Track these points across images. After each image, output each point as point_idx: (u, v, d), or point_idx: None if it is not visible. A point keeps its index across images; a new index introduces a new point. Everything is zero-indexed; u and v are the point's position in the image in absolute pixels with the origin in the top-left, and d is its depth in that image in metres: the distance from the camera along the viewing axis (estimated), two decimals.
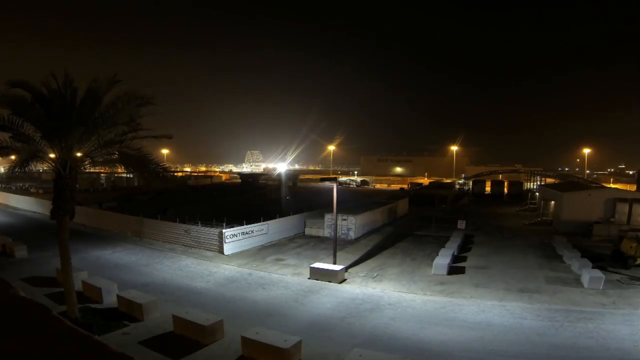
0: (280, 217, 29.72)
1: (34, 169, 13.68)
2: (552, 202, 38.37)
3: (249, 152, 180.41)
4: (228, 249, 24.33)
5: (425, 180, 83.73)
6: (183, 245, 26.04)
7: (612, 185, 59.20)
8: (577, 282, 19.17)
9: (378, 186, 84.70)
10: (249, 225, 26.36)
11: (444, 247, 23.99)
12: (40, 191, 51.98)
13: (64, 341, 2.71)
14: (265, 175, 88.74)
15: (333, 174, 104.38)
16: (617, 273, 20.42)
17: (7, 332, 2.86)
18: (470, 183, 67.44)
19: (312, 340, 12.68)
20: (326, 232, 29.19)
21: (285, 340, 11.39)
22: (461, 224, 29.77)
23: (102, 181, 68.46)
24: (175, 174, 77.00)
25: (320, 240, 28.48)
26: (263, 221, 27.69)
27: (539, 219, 38.55)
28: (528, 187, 60.35)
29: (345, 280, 19.40)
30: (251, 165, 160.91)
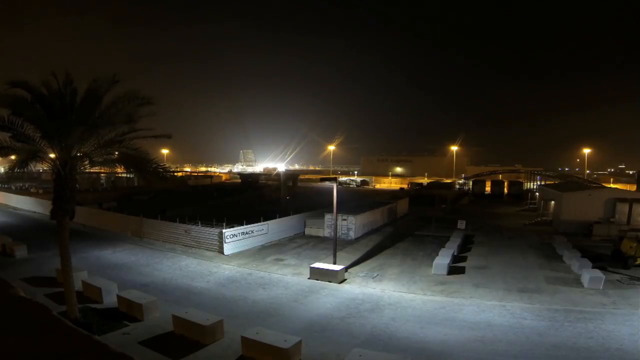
0: (280, 217, 29.72)
1: (33, 169, 13.67)
2: (552, 202, 38.37)
3: (241, 151, 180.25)
4: (228, 249, 24.32)
5: (425, 180, 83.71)
6: (183, 245, 26.03)
7: (612, 185, 59.17)
8: (577, 282, 19.17)
9: (378, 186, 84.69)
10: (249, 225, 26.35)
11: (444, 247, 23.98)
12: (40, 191, 51.94)
13: (64, 341, 2.71)
14: (266, 175, 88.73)
15: (333, 174, 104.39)
16: (617, 273, 20.42)
17: (7, 332, 2.86)
18: (470, 183, 67.43)
19: (312, 340, 12.69)
20: (326, 232, 29.18)
21: (285, 340, 11.39)
22: (461, 224, 29.74)
23: (102, 181, 68.38)
24: (175, 174, 76.98)
25: (320, 240, 28.47)
26: (263, 221, 27.70)
27: (539, 219, 38.55)
28: (528, 187, 60.35)
29: (345, 280, 19.40)
30: (242, 165, 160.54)
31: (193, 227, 26.28)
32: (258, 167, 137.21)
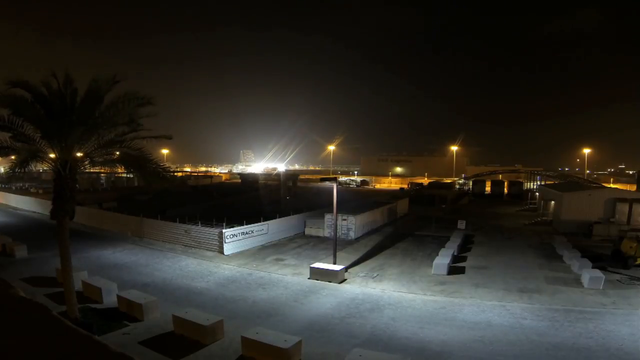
0: (280, 217, 29.72)
1: (34, 169, 13.66)
2: (552, 202, 38.36)
3: (242, 151, 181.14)
4: (228, 249, 24.33)
5: (425, 180, 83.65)
6: (183, 245, 26.04)
7: (612, 185, 59.16)
8: (577, 282, 19.17)
9: (378, 186, 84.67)
10: (249, 225, 26.36)
11: (444, 247, 23.98)
12: (40, 191, 51.95)
13: (64, 341, 2.71)
14: (265, 175, 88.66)
15: (333, 174, 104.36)
16: (617, 273, 20.42)
17: (7, 332, 2.86)
18: (470, 183, 67.41)
19: (312, 340, 12.69)
20: (326, 232, 29.18)
21: (285, 340, 11.39)
22: (461, 224, 29.75)
23: (102, 181, 68.37)
24: (175, 174, 76.90)
25: (320, 240, 28.47)
26: (263, 221, 27.70)
27: (539, 219, 38.54)
28: (528, 187, 60.33)
29: (345, 280, 19.40)
30: (242, 165, 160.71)
31: (193, 227, 26.28)
32: (258, 167, 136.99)
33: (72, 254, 13.79)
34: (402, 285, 18.71)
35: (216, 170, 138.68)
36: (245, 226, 26.04)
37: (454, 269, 21.06)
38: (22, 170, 12.20)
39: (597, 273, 18.75)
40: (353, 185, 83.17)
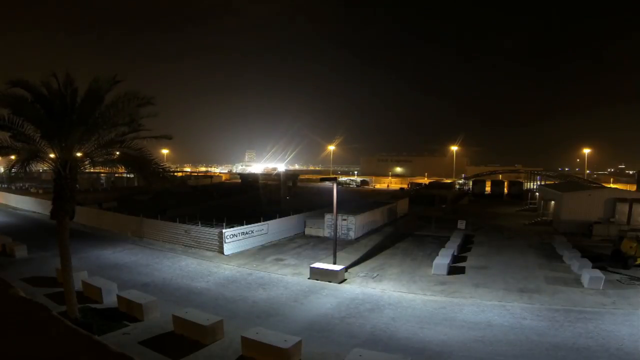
0: (280, 217, 29.72)
1: (34, 169, 13.66)
2: (552, 202, 38.36)
3: (246, 152, 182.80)
4: (228, 249, 24.33)
5: (425, 180, 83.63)
6: (183, 245, 26.03)
7: (612, 185, 59.14)
8: (577, 282, 19.17)
9: (378, 186, 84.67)
10: (249, 225, 26.35)
11: (444, 247, 23.98)
12: (40, 191, 51.94)
13: (64, 341, 2.72)
14: (265, 175, 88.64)
15: (333, 174, 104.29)
16: (617, 273, 20.41)
17: (7, 332, 2.86)
18: (470, 183, 67.40)
19: (312, 340, 12.68)
20: (326, 232, 29.18)
21: (285, 340, 11.39)
22: (461, 224, 29.75)
23: (102, 181, 68.38)
24: (175, 174, 76.83)
25: (320, 240, 28.47)
26: (263, 221, 27.70)
27: (539, 219, 38.54)
28: (528, 187, 60.32)
29: (345, 280, 19.40)
30: (242, 165, 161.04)
31: (193, 227, 26.27)
32: (258, 167, 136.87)
33: (72, 254, 13.79)
34: (402, 285, 18.71)
35: (216, 170, 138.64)
36: (245, 226, 26.03)
37: (454, 269, 21.06)
38: (22, 170, 12.21)
39: (597, 273, 18.75)
40: (353, 185, 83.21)
